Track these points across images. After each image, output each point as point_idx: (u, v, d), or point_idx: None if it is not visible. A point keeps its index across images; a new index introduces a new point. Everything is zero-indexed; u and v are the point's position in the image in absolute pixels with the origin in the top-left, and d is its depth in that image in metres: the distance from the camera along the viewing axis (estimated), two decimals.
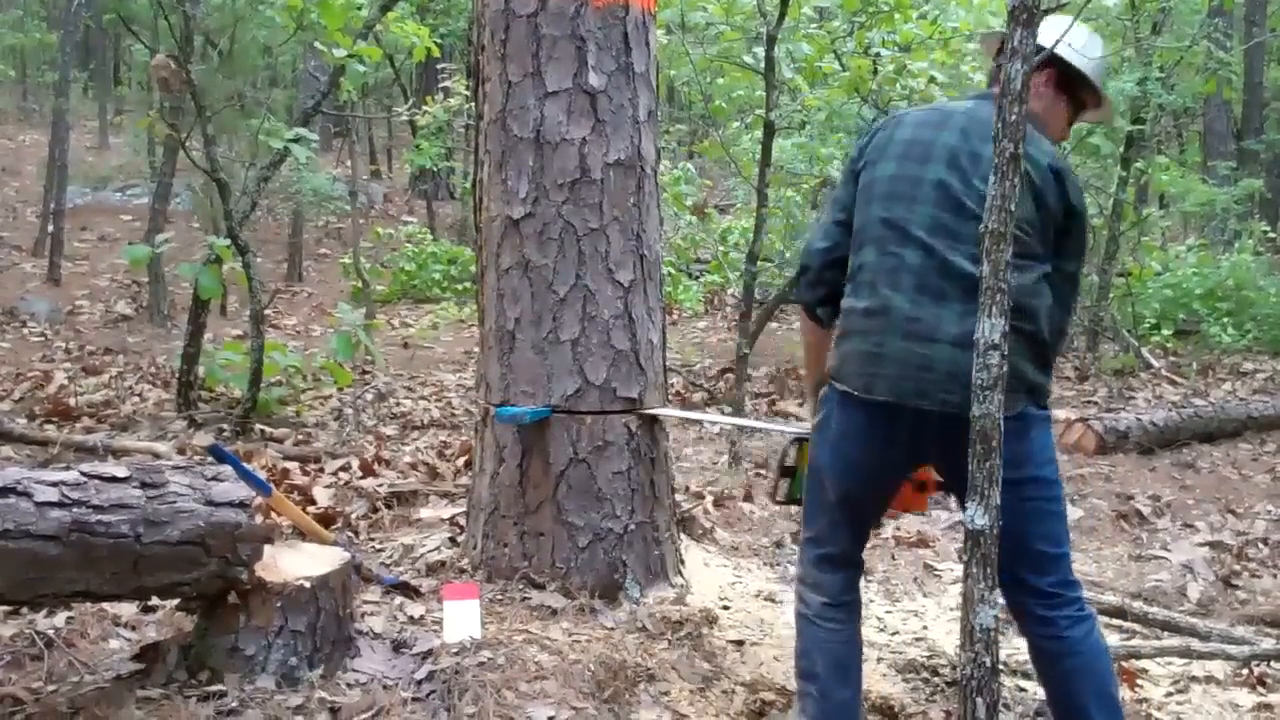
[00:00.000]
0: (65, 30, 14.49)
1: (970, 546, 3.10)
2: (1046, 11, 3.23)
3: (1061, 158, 3.23)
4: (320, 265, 14.53)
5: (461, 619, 3.90)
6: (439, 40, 7.66)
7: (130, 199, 16.46)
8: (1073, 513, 6.63)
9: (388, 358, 9.77)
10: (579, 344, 4.24)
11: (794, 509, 4.36)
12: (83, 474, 3.31)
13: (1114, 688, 3.28)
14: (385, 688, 3.62)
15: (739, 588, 4.70)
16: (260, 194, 7.47)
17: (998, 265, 3.04)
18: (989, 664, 3.07)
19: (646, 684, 3.73)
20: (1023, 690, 4.06)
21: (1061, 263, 3.25)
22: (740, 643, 4.20)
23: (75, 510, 3.17)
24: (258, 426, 7.12)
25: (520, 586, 4.28)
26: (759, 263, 8.09)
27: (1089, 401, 9.72)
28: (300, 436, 7.17)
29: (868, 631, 4.42)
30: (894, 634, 4.47)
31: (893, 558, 5.49)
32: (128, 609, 4.08)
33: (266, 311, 7.54)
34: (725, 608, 4.45)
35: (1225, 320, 12.06)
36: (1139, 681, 4.27)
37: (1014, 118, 3.03)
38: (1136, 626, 4.81)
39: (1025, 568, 3.28)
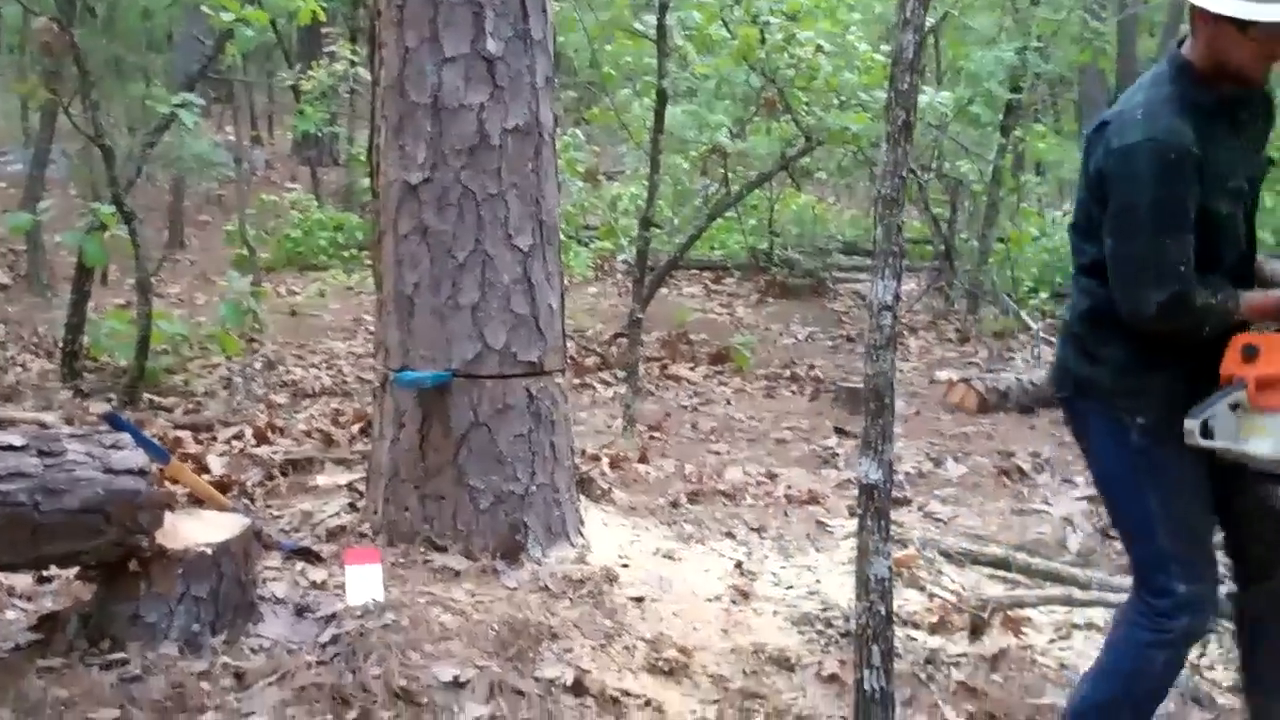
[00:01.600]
0: None
1: (864, 500, 3.21)
2: None
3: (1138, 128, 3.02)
4: (202, 233, 14.28)
5: (364, 582, 3.92)
6: (324, 3, 7.56)
7: (3, 166, 16.03)
8: (956, 469, 6.84)
9: (275, 326, 9.67)
10: (478, 309, 4.27)
11: None
12: None
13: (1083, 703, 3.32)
14: (289, 652, 3.63)
15: (637, 546, 4.78)
16: (145, 160, 7.35)
17: (890, 229, 3.14)
18: (883, 613, 3.19)
19: (549, 642, 3.79)
20: (913, 640, 4.20)
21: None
22: (640, 599, 4.27)
23: None
24: (146, 396, 7.03)
25: (422, 550, 4.31)
26: (650, 229, 8.15)
27: (970, 362, 9.97)
28: (190, 405, 7.09)
29: (763, 586, 4.54)
30: (789, 588, 4.58)
31: (785, 515, 5.60)
32: (22, 580, 4.03)
33: (152, 279, 7.43)
34: (625, 566, 4.52)
35: None
36: (1023, 630, 4.44)
37: (905, 87, 3.13)
38: (1020, 577, 4.99)
39: None
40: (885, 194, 3.14)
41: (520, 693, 3.50)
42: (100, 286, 9.88)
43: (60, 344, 7.53)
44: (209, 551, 3.61)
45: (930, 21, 9.53)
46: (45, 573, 3.99)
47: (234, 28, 6.85)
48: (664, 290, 10.71)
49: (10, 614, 3.88)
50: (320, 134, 15.48)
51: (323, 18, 8.31)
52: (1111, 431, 3.17)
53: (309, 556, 4.33)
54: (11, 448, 3.32)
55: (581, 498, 4.90)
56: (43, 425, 6.09)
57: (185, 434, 6.07)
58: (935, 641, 4.24)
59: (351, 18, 15.16)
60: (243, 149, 12.29)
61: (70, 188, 12.34)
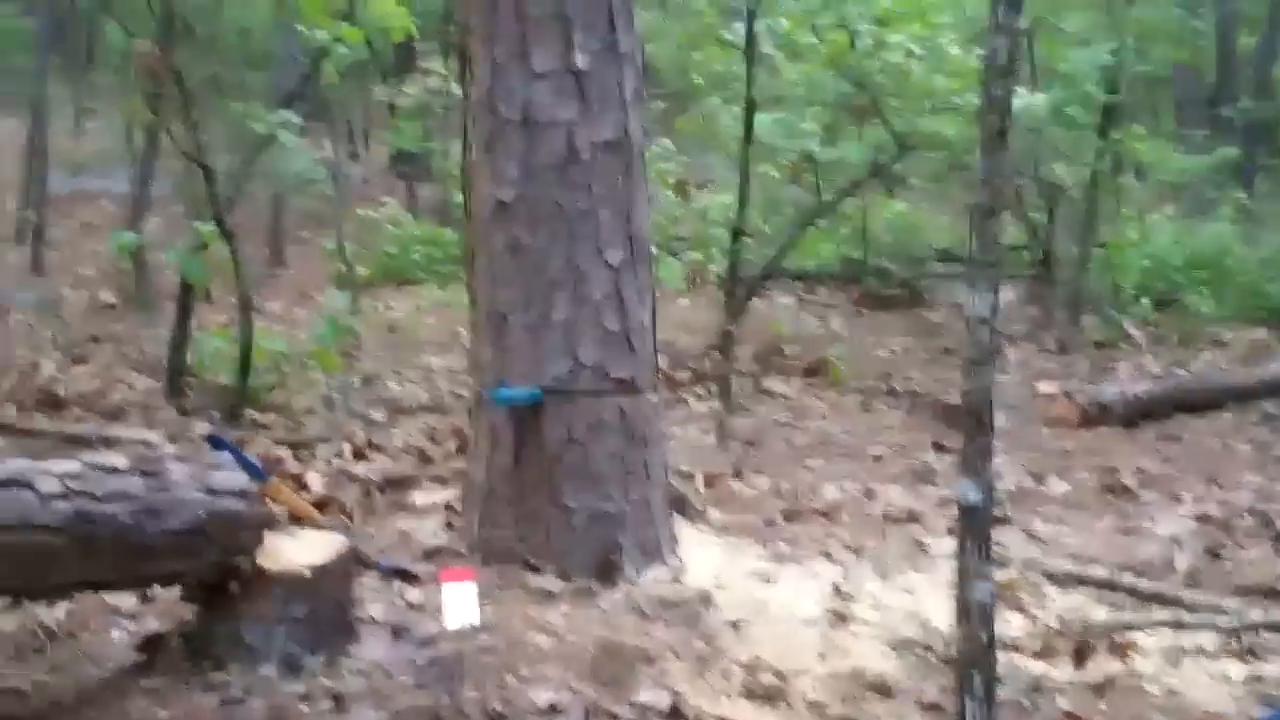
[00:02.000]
0: (39, 14, 14.35)
1: (964, 522, 3.14)
2: None
3: None
4: (301, 249, 14.45)
5: (460, 603, 3.93)
6: (416, 20, 7.62)
7: (110, 185, 16.34)
8: (1058, 486, 6.70)
9: (374, 342, 9.76)
10: (571, 325, 4.26)
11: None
12: (84, 464, 3.32)
13: None
14: (387, 674, 3.64)
15: (733, 567, 4.74)
16: (245, 178, 7.46)
17: (987, 240, 3.08)
18: (985, 639, 3.12)
19: (645, 665, 3.76)
20: (1016, 666, 4.11)
21: None
22: (736, 622, 4.23)
23: (77, 501, 3.19)
24: (248, 413, 7.11)
25: (517, 569, 4.31)
26: (741, 240, 8.10)
27: (1071, 374, 9.77)
28: (290, 423, 7.16)
29: (861, 609, 4.47)
30: (887, 610, 4.51)
31: (883, 534, 5.53)
32: (128, 599, 4.09)
33: (252, 297, 7.53)
34: (720, 588, 4.49)
35: (1204, 290, 12.11)
36: (1130, 655, 4.32)
37: (1000, 93, 3.07)
38: (1126, 599, 4.87)
39: None
40: (981, 203, 3.09)
41: (615, 718, 3.48)
42: (205, 304, 10.04)
43: (164, 362, 7.64)
44: (308, 573, 3.63)
45: (1024, 24, 9.39)
46: (149, 592, 4.05)
47: (329, 46, 6.93)
48: (757, 302, 10.62)
49: (116, 633, 3.94)
50: (416, 150, 15.65)
51: (415, 35, 8.39)
52: None
53: (406, 577, 4.35)
54: (115, 469, 3.37)
55: (676, 516, 4.88)
56: (147, 444, 6.19)
57: (285, 452, 6.13)
58: (1039, 668, 4.14)
59: (444, 34, 15.26)
60: (339, 166, 12.42)
61: (175, 207, 12.56)
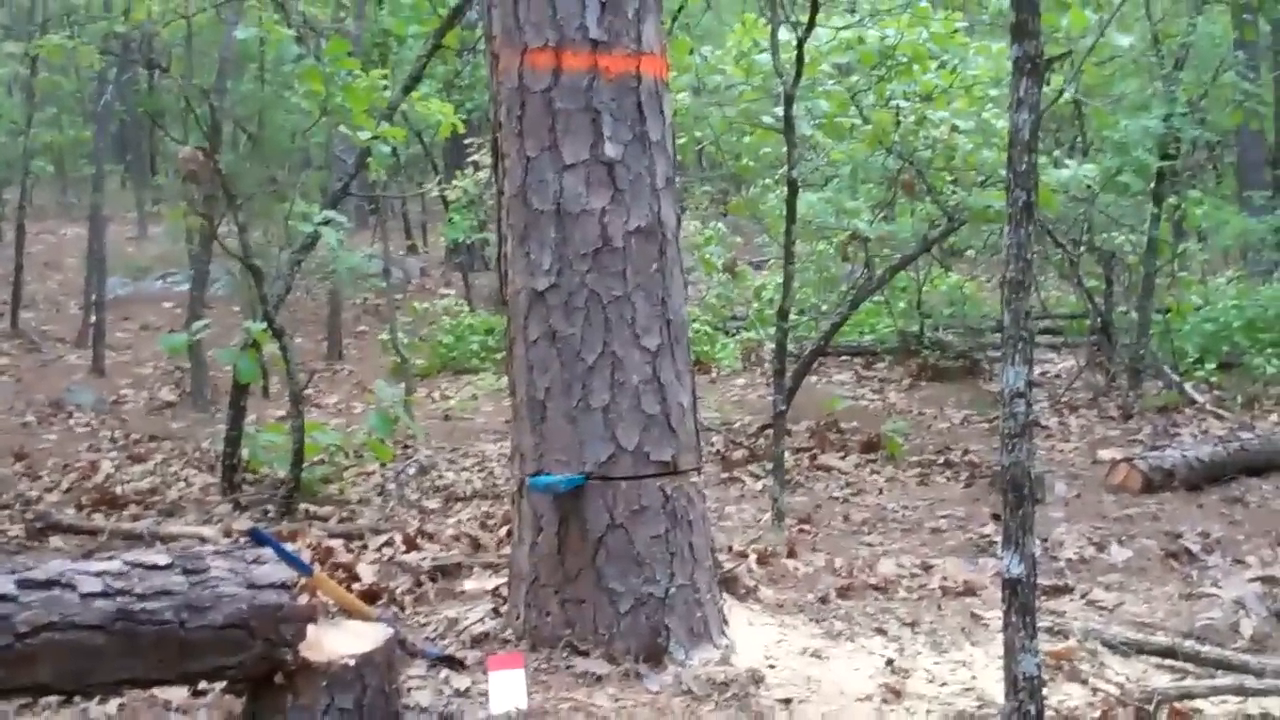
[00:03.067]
0: (100, 125, 14.78)
1: (1009, 595, 3.11)
2: (1050, 62, 3.28)
3: None
4: (359, 342, 14.65)
5: (507, 689, 3.92)
6: (464, 116, 7.77)
7: (171, 287, 16.71)
8: (1120, 554, 6.59)
9: (429, 431, 9.83)
10: (610, 410, 4.27)
11: None
12: (125, 563, 3.36)
13: None
14: None
15: (785, 645, 4.69)
16: (294, 277, 7.59)
17: (1018, 314, 3.06)
18: (1034, 712, 3.07)
19: None
20: None
21: None
22: (788, 701, 4.18)
23: (119, 599, 3.22)
24: (302, 506, 7.18)
25: (564, 654, 4.29)
26: (791, 317, 8.11)
27: (1133, 440, 9.64)
28: (344, 514, 7.23)
29: (916, 684, 4.40)
30: (942, 685, 4.44)
31: (939, 608, 5.45)
32: (178, 693, 4.11)
33: (308, 391, 7.64)
34: (771, 666, 4.44)
35: (1269, 351, 11.94)
36: None
37: (1024, 167, 3.07)
38: (1189, 666, 4.75)
39: None
40: (1011, 277, 3.08)
41: None
42: (263, 400, 10.20)
43: (220, 458, 7.75)
44: (352, 663, 3.64)
45: (1063, 94, 9.39)
46: (198, 687, 4.07)
47: (372, 146, 7.07)
48: (812, 378, 10.63)
49: None
50: (470, 241, 15.85)
51: (462, 130, 8.54)
52: None
53: (453, 664, 4.35)
54: (157, 567, 3.40)
55: (726, 596, 4.85)
56: (202, 539, 6.26)
57: (338, 543, 6.17)
58: None
59: (489, 130, 15.51)
60: (395, 259, 12.61)
61: (233, 305, 12.79)
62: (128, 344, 13.77)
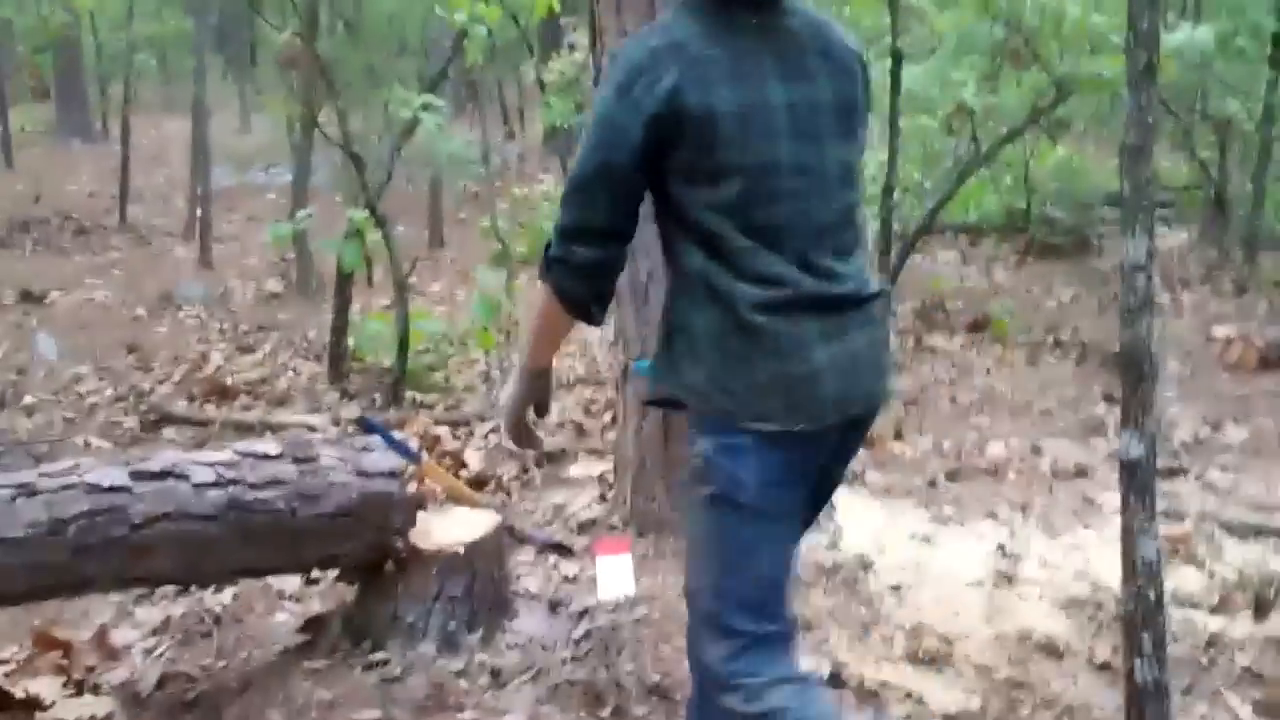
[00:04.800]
0: (200, 17, 14.80)
1: (1126, 477, 3.02)
2: None
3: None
4: (461, 229, 14.65)
5: (615, 575, 3.92)
6: None
7: (274, 178, 16.80)
8: (1236, 433, 6.43)
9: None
10: None
11: None
12: (236, 453, 3.40)
13: None
14: (544, 648, 3.67)
15: (893, 530, 4.65)
16: (394, 164, 7.54)
17: (1138, 182, 2.93)
18: (1153, 597, 2.99)
19: (804, 632, 3.70)
20: (1191, 622, 3.95)
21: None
22: (897, 587, 4.16)
23: (231, 489, 3.26)
24: (409, 393, 7.22)
25: (671, 539, 4.28)
26: (896, 195, 7.93)
27: (1249, 316, 9.37)
28: (450, 401, 7.26)
29: (1027, 568, 4.34)
30: (1055, 569, 4.38)
31: (1051, 491, 5.37)
32: (292, 582, 4.19)
33: (411, 279, 7.63)
34: (880, 551, 4.41)
35: None
36: None
37: (1146, 26, 2.92)
38: None
39: None
40: (1131, 143, 2.94)
41: None
42: (368, 289, 10.25)
43: (327, 348, 7.82)
44: (461, 550, 3.67)
45: None
46: (312, 575, 4.14)
47: (468, 28, 6.96)
48: (917, 257, 10.42)
49: (280, 616, 4.04)
50: (567, 125, 15.71)
51: (557, 9, 8.39)
52: None
53: (561, 550, 4.37)
54: (268, 456, 3.44)
55: None
56: (311, 428, 6.34)
57: (444, 430, 6.21)
58: (1217, 623, 3.98)
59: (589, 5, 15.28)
60: (491, 145, 12.53)
61: (336, 195, 12.84)
62: (234, 236, 13.90)
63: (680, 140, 2.35)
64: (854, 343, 2.45)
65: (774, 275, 2.38)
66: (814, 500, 2.67)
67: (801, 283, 2.39)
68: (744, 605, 2.49)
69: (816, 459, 2.52)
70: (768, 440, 2.41)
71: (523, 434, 2.78)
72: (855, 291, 2.47)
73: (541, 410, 2.76)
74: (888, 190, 7.32)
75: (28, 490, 3.07)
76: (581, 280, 2.48)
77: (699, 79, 2.33)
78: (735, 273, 2.39)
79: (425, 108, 6.94)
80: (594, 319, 2.57)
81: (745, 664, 2.48)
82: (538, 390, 2.72)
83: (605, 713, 3.37)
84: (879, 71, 9.91)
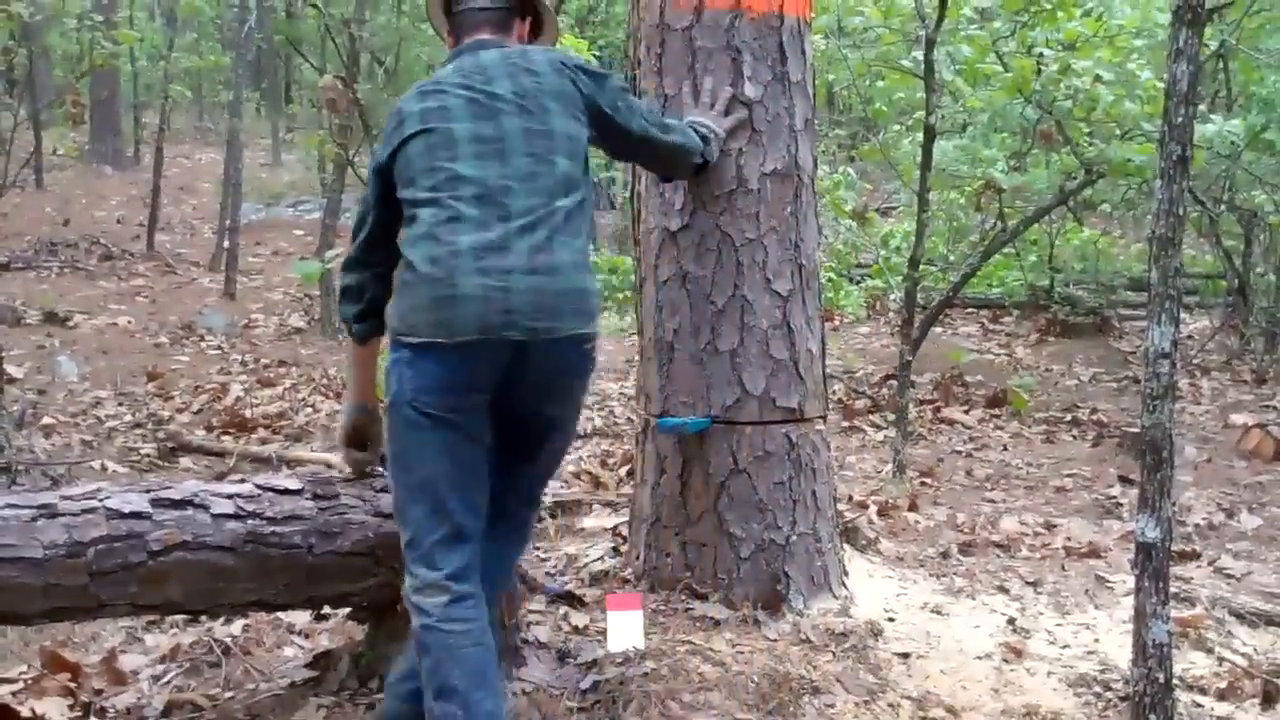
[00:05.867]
0: (238, 52, 15.00)
1: (1141, 559, 3.03)
2: (1212, 11, 3.14)
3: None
4: None
5: (625, 629, 3.93)
6: (597, 53, 7.72)
7: (302, 214, 16.96)
8: (1250, 521, 6.43)
9: None
10: (737, 354, 4.23)
11: None
12: (257, 486, 3.42)
13: None
14: (551, 697, 3.66)
15: (904, 599, 4.64)
16: None
17: (1167, 272, 2.96)
18: (1162, 680, 3.00)
19: (811, 696, 3.71)
20: (1199, 706, 3.93)
21: (631, 133, 3.60)
22: (906, 655, 4.14)
23: (250, 522, 3.29)
24: None
25: (683, 597, 4.28)
26: (921, 267, 7.97)
27: (1267, 406, 9.37)
28: None
29: (1037, 644, 4.33)
30: (1064, 647, 4.36)
31: (1063, 569, 5.36)
32: (302, 617, 4.20)
33: None
34: (890, 619, 4.39)
35: None
36: None
37: (1180, 120, 2.95)
38: None
39: None
40: (1160, 233, 2.97)
41: None
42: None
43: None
44: None
45: (1212, 47, 9.07)
46: (322, 611, 4.14)
47: None
48: (938, 329, 10.48)
49: (289, 650, 4.05)
50: (596, 179, 15.84)
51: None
52: None
53: (572, 601, 4.37)
54: (289, 491, 3.46)
55: (846, 547, 4.80)
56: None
57: None
58: (1224, 709, 3.95)
59: (624, 66, 15.46)
60: None
61: None
62: (259, 269, 14.01)
63: None
64: (514, 280, 3.02)
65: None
66: (516, 436, 3.25)
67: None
68: (413, 502, 3.10)
69: (475, 375, 3.05)
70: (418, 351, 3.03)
71: (351, 462, 3.58)
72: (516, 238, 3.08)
73: (368, 443, 3.57)
74: (914, 262, 7.36)
75: (49, 512, 3.10)
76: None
77: None
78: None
79: None
80: (353, 335, 3.45)
81: (414, 558, 3.10)
82: (359, 422, 3.50)
83: None
84: (911, 145, 10.00)
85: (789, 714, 3.62)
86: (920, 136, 8.13)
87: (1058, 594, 4.95)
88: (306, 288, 11.26)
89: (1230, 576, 5.47)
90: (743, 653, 3.93)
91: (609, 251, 15.27)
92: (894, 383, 8.35)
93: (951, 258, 11.95)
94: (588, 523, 5.41)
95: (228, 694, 3.67)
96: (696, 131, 3.91)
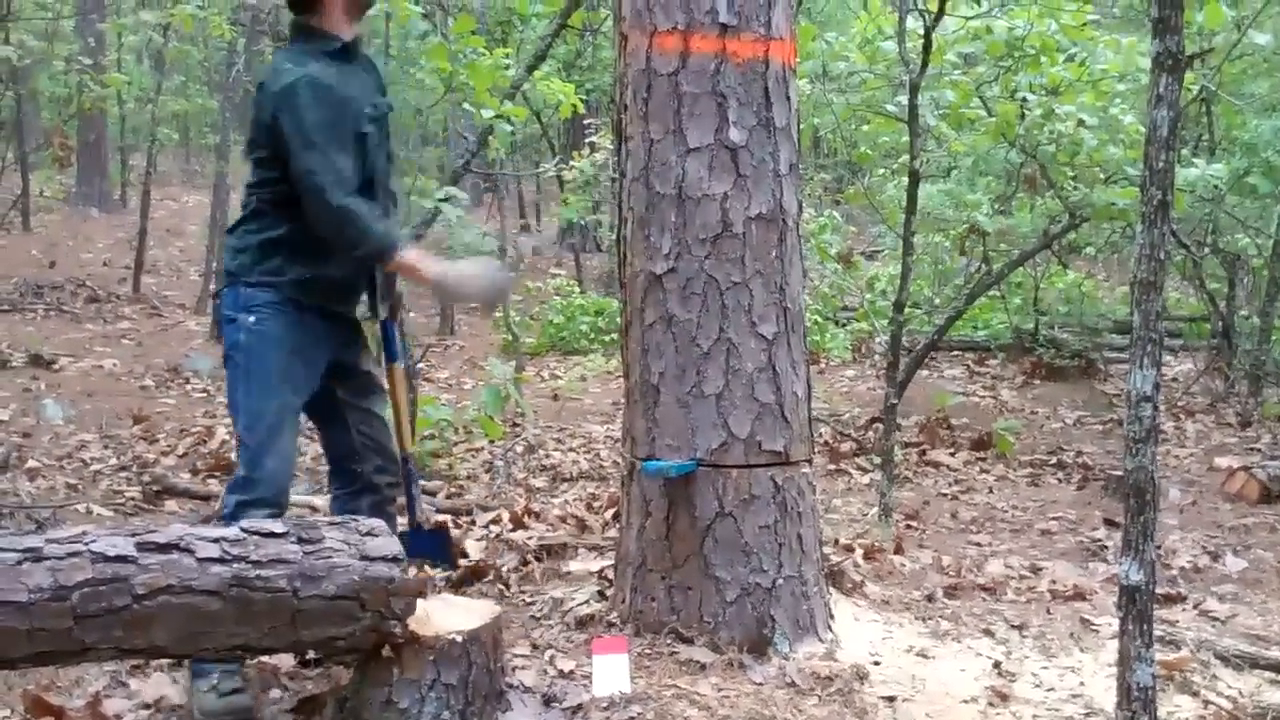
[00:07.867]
0: (226, 95, 15.06)
1: (1125, 603, 3.04)
2: (1191, 59, 3.18)
3: (292, 72, 4.02)
4: (471, 318, 14.78)
5: (611, 673, 3.93)
6: (584, 97, 7.79)
7: None
8: (1235, 564, 6.43)
9: (537, 410, 9.88)
10: (723, 397, 4.25)
11: None
12: (242, 530, 3.41)
13: None
14: None
15: (890, 643, 4.64)
16: None
17: (1148, 316, 2.99)
18: None
19: None
20: None
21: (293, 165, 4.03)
22: (892, 699, 4.14)
23: (235, 566, 3.28)
24: None
25: (668, 640, 4.29)
26: (906, 310, 8.01)
27: (1251, 448, 9.40)
28: (453, 489, 7.29)
29: (1022, 688, 4.33)
30: (1050, 690, 4.36)
31: (1048, 611, 5.36)
32: (287, 661, 4.19)
33: (420, 365, 7.70)
34: (876, 663, 4.40)
35: None
36: None
37: (1161, 165, 2.99)
38: None
39: None
40: (1142, 277, 3.00)
41: None
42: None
43: None
44: (460, 639, 3.67)
45: (1195, 91, 9.16)
46: (308, 655, 4.13)
47: (494, 124, 7.10)
48: (924, 372, 10.49)
49: (275, 693, 4.03)
50: (583, 222, 15.89)
51: (581, 110, 8.54)
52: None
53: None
54: (273, 535, 3.45)
55: (831, 591, 4.81)
56: (312, 509, 6.35)
57: (446, 518, 6.22)
58: None
59: (611, 110, 15.56)
60: (508, 238, 12.68)
61: None
62: None
63: None
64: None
65: None
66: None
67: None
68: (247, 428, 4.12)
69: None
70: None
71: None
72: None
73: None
74: (899, 305, 7.39)
75: (34, 555, 3.09)
76: None
77: None
78: None
79: (446, 199, 7.05)
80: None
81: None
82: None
83: None
84: (895, 189, 10.06)
85: None
86: (905, 180, 8.17)
87: (1043, 637, 4.95)
88: None
89: (1215, 619, 5.47)
90: (728, 696, 3.93)
91: (595, 294, 15.31)
92: (879, 425, 8.36)
93: (937, 301, 12.01)
94: (573, 566, 5.41)
95: None
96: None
